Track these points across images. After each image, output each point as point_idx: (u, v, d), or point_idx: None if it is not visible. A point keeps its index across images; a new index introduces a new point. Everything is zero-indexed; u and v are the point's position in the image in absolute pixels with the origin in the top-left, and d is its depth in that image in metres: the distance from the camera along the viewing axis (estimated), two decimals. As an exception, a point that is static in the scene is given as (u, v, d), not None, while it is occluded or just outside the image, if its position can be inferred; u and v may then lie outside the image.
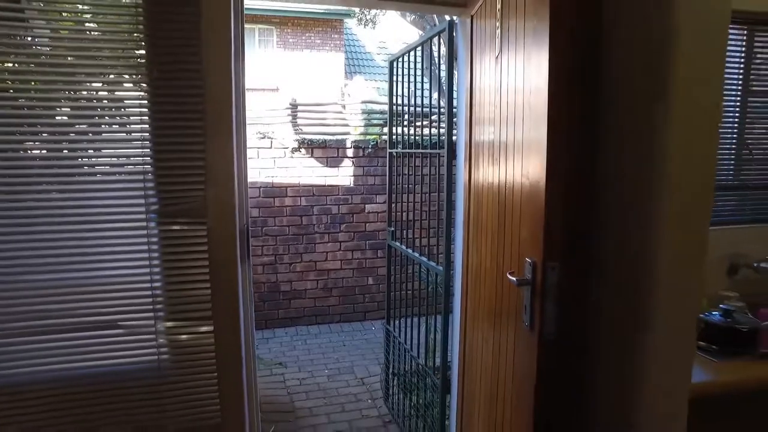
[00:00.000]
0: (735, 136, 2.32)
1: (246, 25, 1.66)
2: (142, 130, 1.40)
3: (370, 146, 4.60)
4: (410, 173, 2.69)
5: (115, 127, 1.45)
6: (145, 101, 1.40)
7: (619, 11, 1.25)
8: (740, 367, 1.49)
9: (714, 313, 1.65)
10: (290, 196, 4.43)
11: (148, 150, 1.40)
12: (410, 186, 2.70)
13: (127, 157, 1.42)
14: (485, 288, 1.58)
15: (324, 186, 4.51)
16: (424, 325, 2.60)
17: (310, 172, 4.49)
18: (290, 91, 7.05)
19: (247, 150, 1.62)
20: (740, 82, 2.28)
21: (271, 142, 4.39)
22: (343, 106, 5.24)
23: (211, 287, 1.46)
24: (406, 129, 2.79)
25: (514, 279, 1.10)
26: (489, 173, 1.56)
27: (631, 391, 1.21)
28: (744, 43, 2.26)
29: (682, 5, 1.05)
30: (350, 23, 10.08)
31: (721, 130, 2.29)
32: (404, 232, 2.79)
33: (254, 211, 4.30)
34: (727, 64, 2.24)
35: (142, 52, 1.39)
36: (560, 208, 0.99)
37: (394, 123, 2.89)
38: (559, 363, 1.09)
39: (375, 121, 4.97)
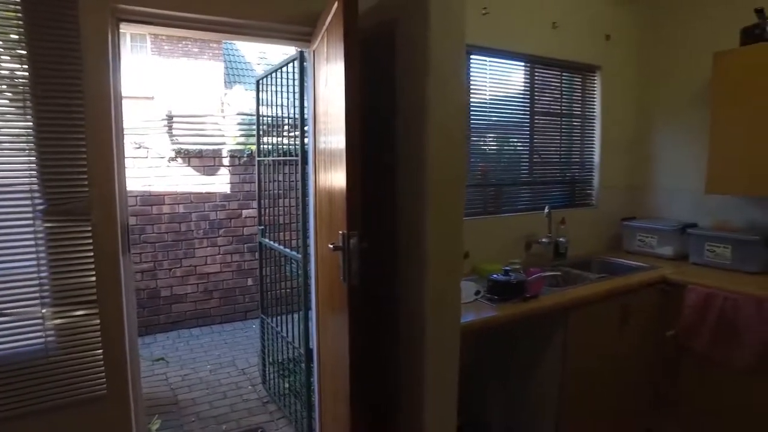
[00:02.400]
0: (528, 144, 3.05)
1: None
2: (27, 141, 1.63)
3: (245, 155, 4.90)
4: (276, 179, 3.09)
5: (1, 137, 1.65)
6: (30, 113, 1.61)
7: (400, 64, 1.79)
8: (512, 306, 2.12)
9: (498, 274, 2.27)
10: (168, 203, 4.57)
11: (34, 157, 1.63)
12: (276, 191, 3.11)
13: (13, 163, 1.63)
14: (326, 268, 2.04)
15: (202, 193, 4.72)
16: (295, 313, 3.01)
17: (187, 181, 4.66)
18: (166, 100, 7.04)
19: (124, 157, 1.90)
20: (529, 105, 3.01)
21: (147, 152, 4.51)
22: (223, 117, 5.46)
23: (96, 275, 1.73)
24: (270, 139, 3.20)
25: (331, 246, 1.56)
26: (326, 174, 2.02)
27: (420, 316, 1.73)
28: (528, 76, 3.00)
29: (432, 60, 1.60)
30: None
31: (518, 140, 3.02)
32: (272, 229, 3.18)
33: (132, 219, 4.38)
34: (519, 91, 2.97)
35: (25, 64, 1.59)
36: (359, 193, 1.47)
37: (262, 134, 3.29)
38: (367, 302, 1.58)
39: (253, 131, 5.27)
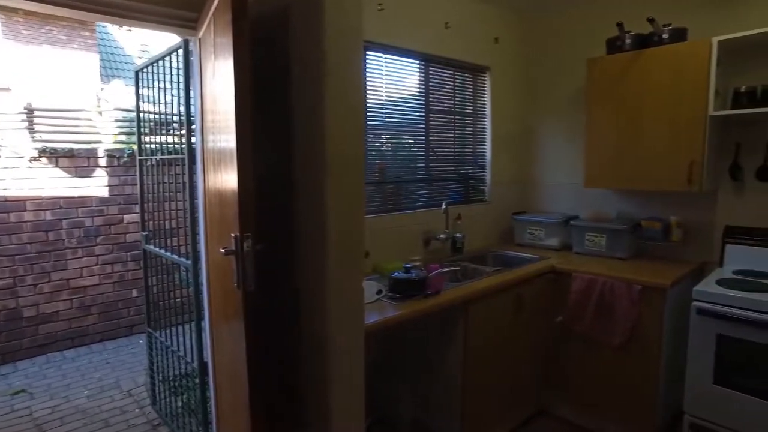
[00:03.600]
0: (424, 142, 3.09)
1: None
2: None
3: (126, 155, 4.45)
4: (161, 180, 2.82)
5: None
6: None
7: (295, 57, 1.70)
8: (414, 303, 2.11)
9: (400, 272, 2.26)
10: (31, 210, 4.00)
11: None
12: (162, 193, 2.83)
13: None
14: (219, 273, 1.88)
15: (74, 198, 4.20)
16: (187, 324, 2.77)
17: (55, 183, 4.12)
18: (26, 92, 6.20)
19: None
20: (424, 103, 3.05)
21: (0, 149, 3.91)
22: (99, 113, 4.92)
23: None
24: (154, 138, 2.91)
25: (223, 250, 1.43)
26: (216, 174, 1.87)
27: (323, 319, 1.66)
28: (423, 75, 3.04)
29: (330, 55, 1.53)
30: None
31: (415, 138, 3.05)
32: (158, 235, 2.90)
33: (-19, 229, 3.77)
34: (415, 90, 3.00)
35: None
36: (251, 194, 1.36)
37: (143, 131, 2.99)
38: (266, 306, 1.47)
39: (135, 129, 4.81)
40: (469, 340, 2.31)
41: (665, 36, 2.65)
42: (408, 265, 2.28)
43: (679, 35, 2.64)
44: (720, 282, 2.34)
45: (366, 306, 1.86)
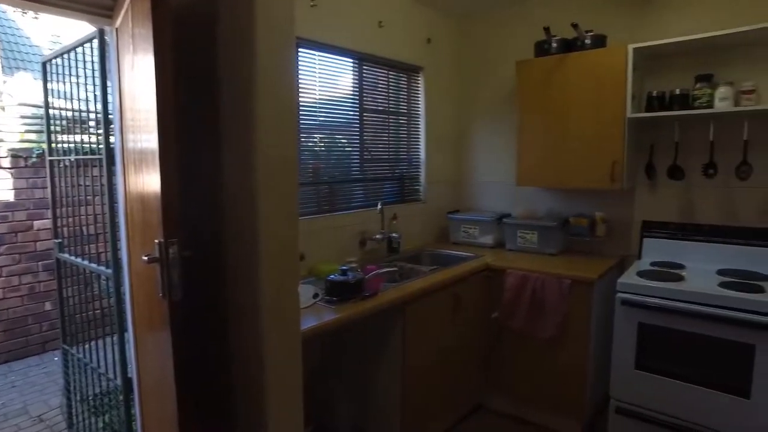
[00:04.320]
0: (358, 142, 3.05)
1: None
2: None
3: (35, 155, 4.07)
4: (77, 183, 2.59)
5: None
6: None
7: (223, 52, 1.60)
8: (352, 306, 2.07)
9: (336, 274, 2.21)
10: None
11: None
12: (78, 196, 2.60)
13: None
14: (143, 282, 1.75)
15: (-28, 203, 3.78)
16: (109, 338, 2.56)
17: (-51, 188, 3.70)
18: None
19: None
20: (358, 102, 3.01)
21: None
22: (2, 108, 4.47)
23: None
24: (67, 136, 2.66)
25: (146, 258, 1.32)
26: (138, 176, 1.73)
27: (257, 326, 1.58)
28: (357, 74, 3.00)
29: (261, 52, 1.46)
30: (5, 8, 8.41)
31: (349, 138, 3.00)
32: (74, 242, 2.66)
33: None
34: (349, 89, 2.96)
35: None
36: (176, 197, 1.26)
37: (55, 129, 2.73)
38: (195, 314, 1.37)
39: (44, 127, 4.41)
40: (408, 340, 2.30)
41: (587, 41, 2.79)
42: (344, 267, 2.24)
43: (599, 41, 2.78)
44: (640, 273, 2.48)
45: (302, 310, 1.80)
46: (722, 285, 2.25)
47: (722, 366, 2.16)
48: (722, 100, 2.45)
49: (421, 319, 2.38)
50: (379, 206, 2.92)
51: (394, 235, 3.04)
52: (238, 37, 1.50)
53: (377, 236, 2.93)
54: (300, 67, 2.59)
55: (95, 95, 2.24)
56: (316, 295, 2.15)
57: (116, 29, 1.96)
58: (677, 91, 2.60)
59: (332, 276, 2.19)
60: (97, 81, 2.17)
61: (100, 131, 2.19)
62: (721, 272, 2.49)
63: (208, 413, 1.83)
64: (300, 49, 2.57)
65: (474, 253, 3.09)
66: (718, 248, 2.61)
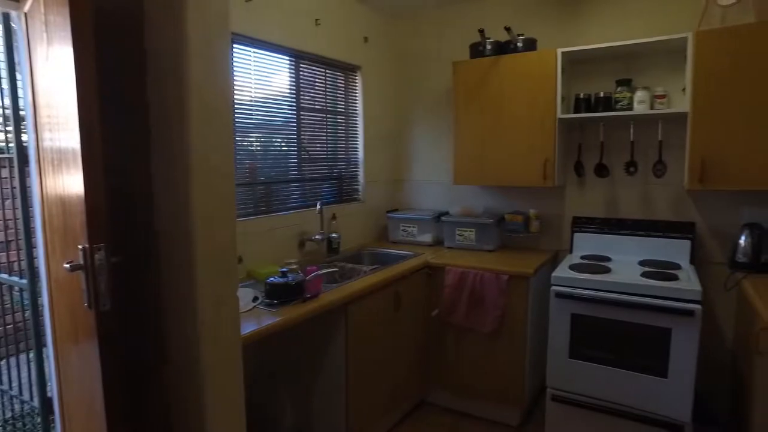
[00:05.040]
0: (295, 141, 2.99)
1: None
2: None
3: (-70, 155, 3.65)
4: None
5: None
6: None
7: (152, 44, 1.51)
8: (293, 309, 2.02)
9: (276, 276, 2.15)
10: None
11: None
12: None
13: None
14: (65, 292, 1.61)
15: None
16: (24, 354, 2.34)
17: None
18: None
19: None
20: (295, 101, 2.95)
21: None
22: None
23: None
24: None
25: (68, 265, 1.21)
26: (56, 177, 1.59)
27: (194, 333, 1.50)
28: (294, 72, 2.94)
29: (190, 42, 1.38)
30: None
31: (286, 137, 2.93)
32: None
33: None
34: (286, 88, 2.88)
35: None
36: (102, 198, 1.16)
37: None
38: (125, 323, 1.27)
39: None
40: (351, 340, 2.28)
41: (519, 44, 2.89)
42: (284, 269, 2.18)
43: (530, 45, 2.90)
44: (572, 267, 2.61)
45: (242, 315, 1.73)
46: (644, 275, 2.41)
47: (644, 350, 2.31)
48: (640, 103, 2.63)
49: (363, 319, 2.36)
50: (318, 206, 2.88)
51: (333, 235, 3.00)
52: (168, 27, 1.42)
53: (317, 237, 2.88)
54: (235, 65, 2.49)
55: (1, 89, 2.05)
56: (255, 299, 2.07)
57: (25, 14, 1.79)
58: (601, 94, 2.76)
59: (272, 278, 2.12)
60: (4, 73, 1.98)
61: (10, 128, 1.99)
62: (642, 263, 2.68)
63: (142, 431, 1.72)
64: (235, 45, 2.47)
65: (413, 252, 3.12)
66: (639, 241, 2.80)
